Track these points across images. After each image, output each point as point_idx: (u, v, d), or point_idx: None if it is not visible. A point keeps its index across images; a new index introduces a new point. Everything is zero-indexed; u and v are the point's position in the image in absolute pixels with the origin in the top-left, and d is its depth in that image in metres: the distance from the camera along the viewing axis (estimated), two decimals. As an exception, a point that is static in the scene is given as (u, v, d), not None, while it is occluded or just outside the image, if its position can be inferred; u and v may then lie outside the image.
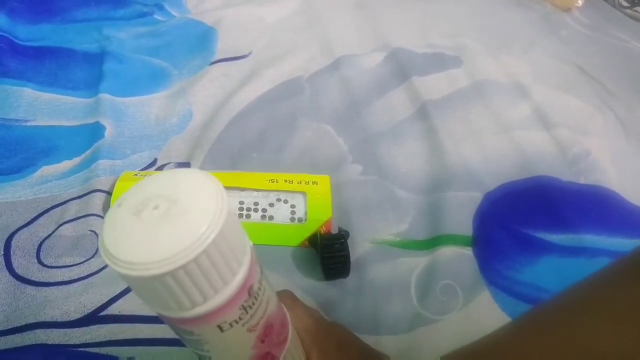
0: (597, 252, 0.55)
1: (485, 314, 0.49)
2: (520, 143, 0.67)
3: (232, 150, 0.63)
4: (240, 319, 0.24)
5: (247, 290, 0.24)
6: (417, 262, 0.53)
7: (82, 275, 0.49)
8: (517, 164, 0.64)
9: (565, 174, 0.63)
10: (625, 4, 0.97)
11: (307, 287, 0.50)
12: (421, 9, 0.91)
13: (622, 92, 0.78)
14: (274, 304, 0.27)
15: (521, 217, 0.58)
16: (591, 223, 0.58)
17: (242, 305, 0.24)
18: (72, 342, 0.44)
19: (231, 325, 0.24)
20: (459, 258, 0.53)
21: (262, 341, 0.26)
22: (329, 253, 0.49)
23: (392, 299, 0.50)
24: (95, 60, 0.73)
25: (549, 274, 0.53)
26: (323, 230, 0.53)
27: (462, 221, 0.57)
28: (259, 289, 0.25)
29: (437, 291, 0.50)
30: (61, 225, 0.53)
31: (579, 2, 0.95)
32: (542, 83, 0.77)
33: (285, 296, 0.35)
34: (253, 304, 0.24)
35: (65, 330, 0.45)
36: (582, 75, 0.80)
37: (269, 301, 0.26)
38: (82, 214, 0.54)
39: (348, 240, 0.51)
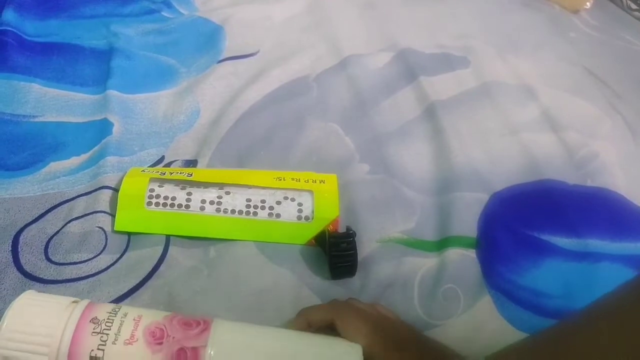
0: (601, 257, 0.55)
1: (485, 319, 0.49)
2: (527, 145, 0.67)
3: (240, 148, 0.63)
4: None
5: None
6: (422, 263, 0.53)
7: (90, 272, 0.49)
8: (524, 165, 0.64)
9: (572, 177, 0.63)
10: (634, 6, 0.97)
11: (314, 285, 0.50)
12: (429, 10, 0.91)
13: (630, 94, 0.77)
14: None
15: (527, 219, 0.58)
16: (597, 227, 0.58)
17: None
18: (79, 338, 0.44)
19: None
20: (463, 261, 0.53)
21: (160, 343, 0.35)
22: (337, 251, 0.49)
23: (395, 300, 0.50)
24: (103, 56, 0.73)
25: (552, 278, 0.53)
26: (330, 228, 0.53)
27: (468, 222, 0.56)
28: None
29: (440, 295, 0.50)
30: (69, 222, 0.53)
31: (588, 4, 0.95)
32: (550, 85, 0.77)
33: (339, 307, 0.42)
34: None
35: (73, 326, 0.45)
36: (590, 78, 0.80)
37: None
38: (90, 211, 0.54)
39: (355, 239, 0.51)
